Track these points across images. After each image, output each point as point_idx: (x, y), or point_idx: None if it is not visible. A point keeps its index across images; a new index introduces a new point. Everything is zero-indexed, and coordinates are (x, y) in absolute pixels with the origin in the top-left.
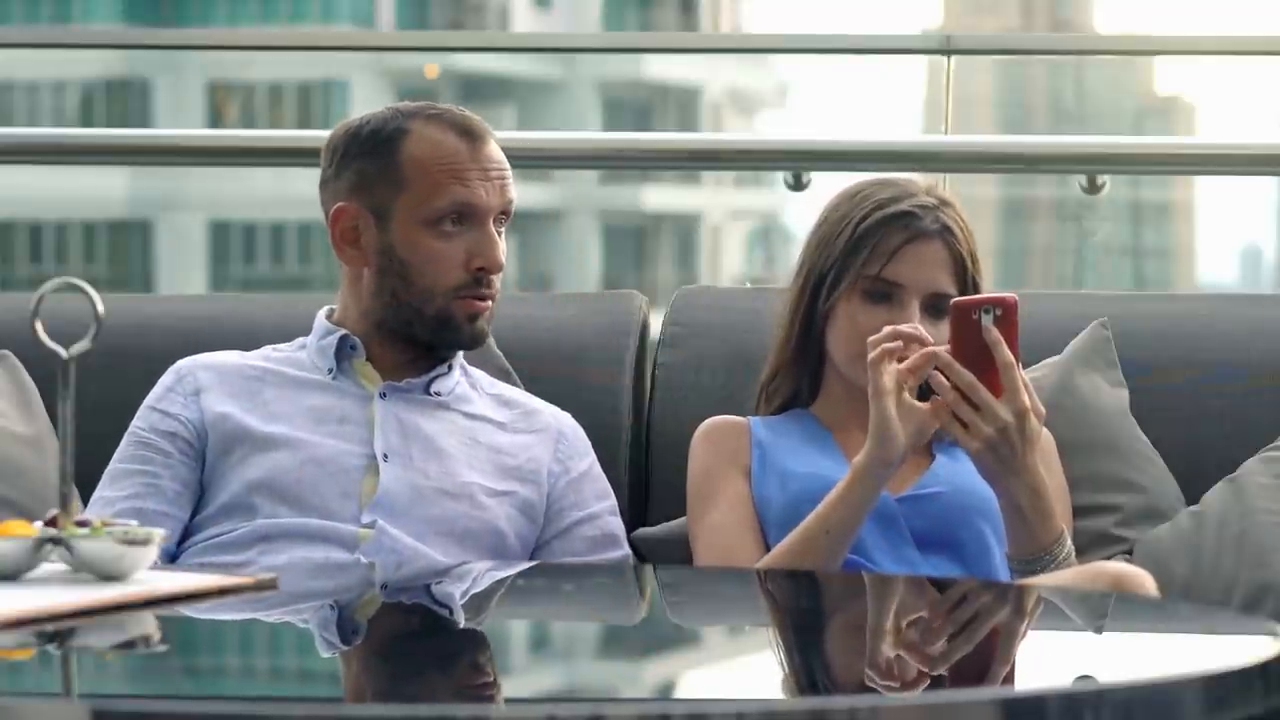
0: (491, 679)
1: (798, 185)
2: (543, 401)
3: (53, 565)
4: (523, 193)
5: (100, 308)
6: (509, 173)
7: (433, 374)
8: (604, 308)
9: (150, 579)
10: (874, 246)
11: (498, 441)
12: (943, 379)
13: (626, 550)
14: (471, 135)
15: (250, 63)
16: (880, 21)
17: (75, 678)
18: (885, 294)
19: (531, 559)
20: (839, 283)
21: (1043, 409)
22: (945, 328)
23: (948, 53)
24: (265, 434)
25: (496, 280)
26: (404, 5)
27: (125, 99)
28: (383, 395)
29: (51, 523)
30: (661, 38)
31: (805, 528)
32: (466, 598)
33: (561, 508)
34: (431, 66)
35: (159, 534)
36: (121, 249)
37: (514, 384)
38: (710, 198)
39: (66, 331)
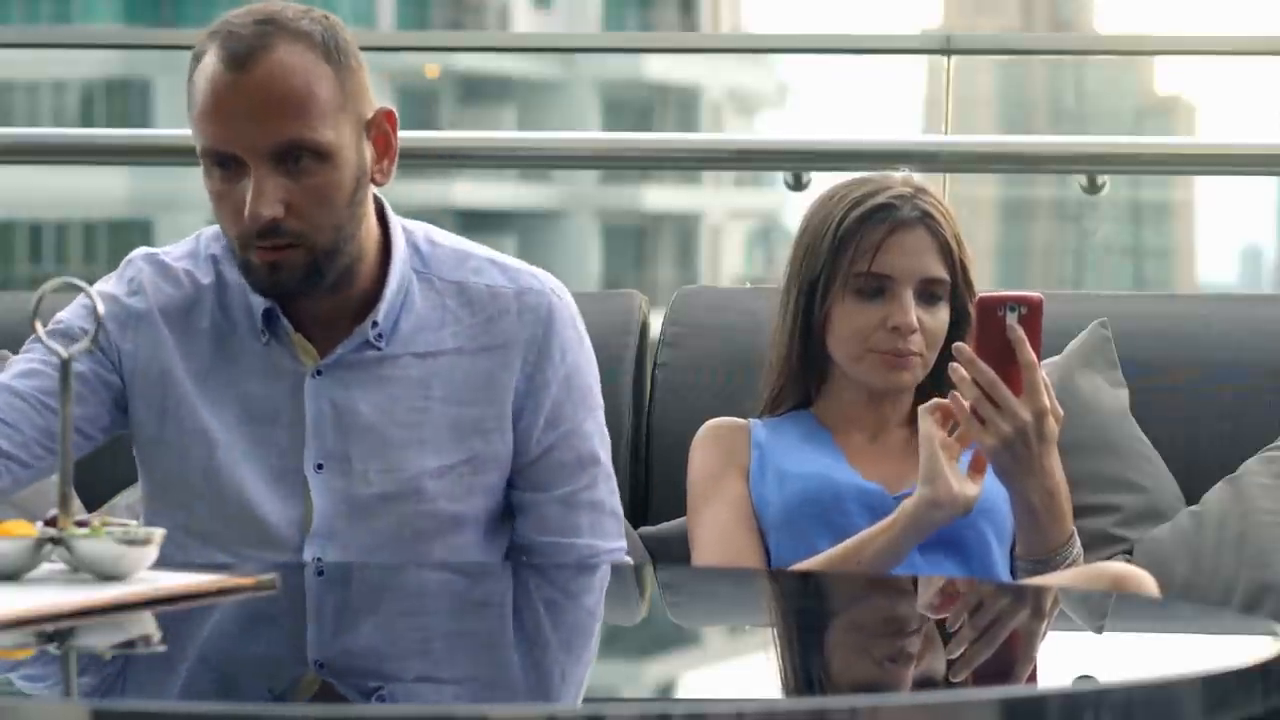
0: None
1: (798, 185)
2: (514, 285)
3: (53, 565)
4: (523, 193)
5: (100, 308)
6: (293, 101)
7: (366, 320)
8: (604, 308)
9: (150, 579)
10: (858, 244)
11: (454, 381)
12: (964, 374)
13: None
14: (237, 64)
15: None
16: (880, 21)
17: (75, 678)
18: (877, 289)
19: (511, 487)
20: (830, 286)
21: (1061, 411)
22: (941, 313)
23: (948, 53)
24: (195, 432)
25: (295, 224)
26: (404, 5)
27: (125, 99)
28: (318, 373)
29: (51, 523)
30: (661, 38)
31: (835, 555)
32: (464, 597)
33: (528, 426)
34: (431, 66)
35: (159, 533)
36: (121, 249)
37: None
38: (710, 198)
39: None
